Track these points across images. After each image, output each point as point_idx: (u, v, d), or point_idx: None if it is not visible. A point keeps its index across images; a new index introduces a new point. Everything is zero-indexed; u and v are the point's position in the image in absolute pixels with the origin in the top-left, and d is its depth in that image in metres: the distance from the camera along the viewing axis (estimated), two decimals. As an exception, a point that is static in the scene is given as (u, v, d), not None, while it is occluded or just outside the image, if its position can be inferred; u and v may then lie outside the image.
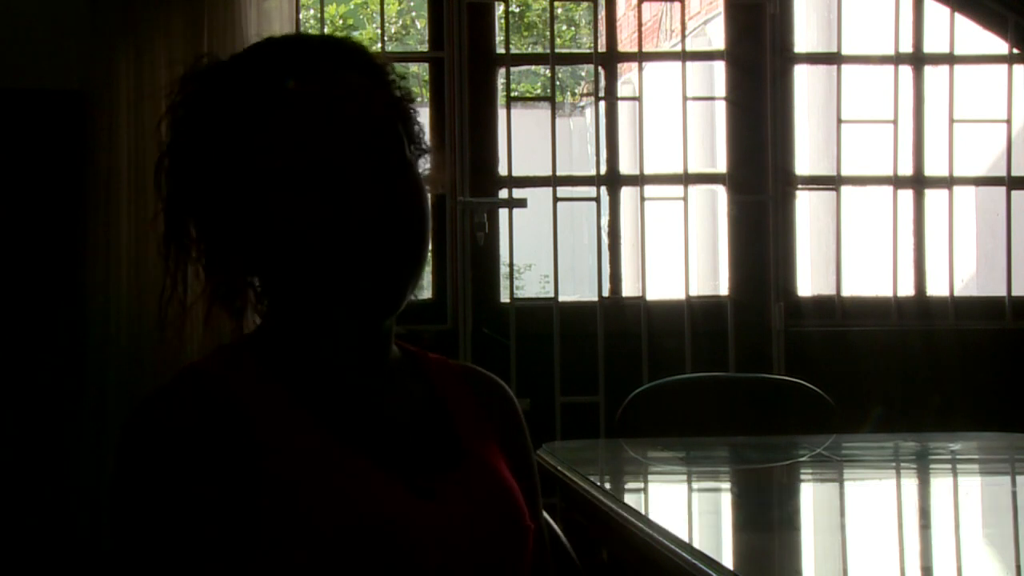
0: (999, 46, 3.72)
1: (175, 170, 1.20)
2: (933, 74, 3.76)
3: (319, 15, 3.72)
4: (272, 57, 1.18)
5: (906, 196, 3.68)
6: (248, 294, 1.22)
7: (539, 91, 8.83)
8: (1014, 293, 3.66)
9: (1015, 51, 3.70)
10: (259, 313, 1.23)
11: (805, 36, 5.22)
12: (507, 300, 3.49)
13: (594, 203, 3.55)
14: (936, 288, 3.71)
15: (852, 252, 3.74)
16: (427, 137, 1.25)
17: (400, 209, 1.15)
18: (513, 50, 4.06)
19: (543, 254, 3.79)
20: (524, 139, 3.60)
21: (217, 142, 1.17)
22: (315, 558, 1.06)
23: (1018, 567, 1.39)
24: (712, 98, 4.44)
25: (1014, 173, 3.70)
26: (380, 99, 1.18)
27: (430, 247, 1.21)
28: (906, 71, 3.69)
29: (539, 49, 8.39)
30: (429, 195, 1.20)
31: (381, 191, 1.13)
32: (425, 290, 3.50)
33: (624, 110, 3.92)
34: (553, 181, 3.51)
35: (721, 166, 3.67)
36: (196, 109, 1.19)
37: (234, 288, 1.21)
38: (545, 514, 1.42)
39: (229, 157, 1.16)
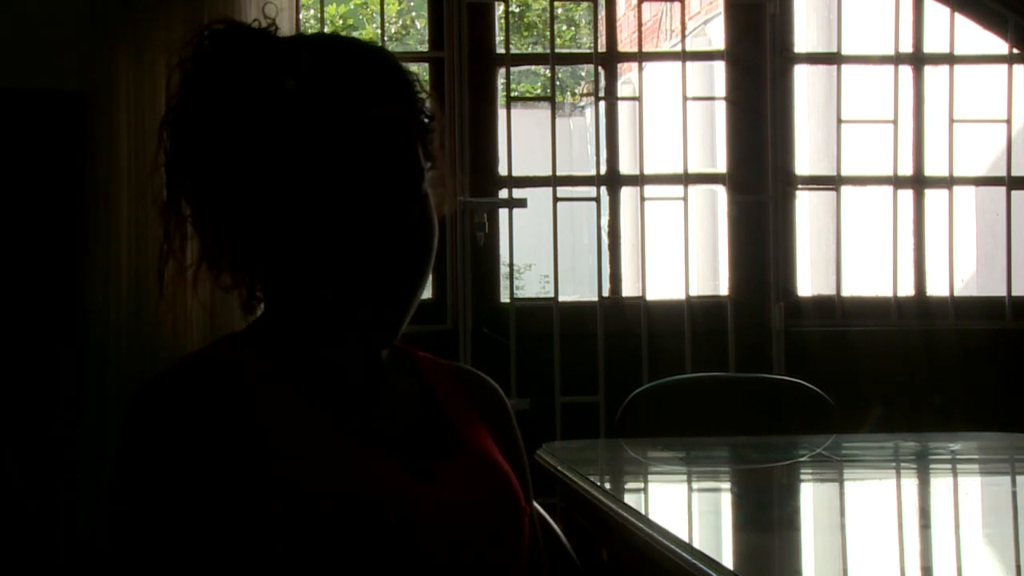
0: (999, 46, 3.72)
1: (182, 129, 1.19)
2: (933, 74, 3.76)
3: (319, 15, 3.72)
4: (305, 57, 1.17)
5: (906, 196, 3.68)
6: (243, 276, 1.22)
7: (539, 91, 8.83)
8: (1014, 293, 3.66)
9: (1015, 51, 3.70)
10: (244, 297, 1.23)
11: (805, 36, 5.21)
12: (507, 300, 3.49)
13: (594, 203, 3.55)
14: (936, 288, 3.71)
15: (852, 252, 3.74)
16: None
17: (408, 242, 1.15)
18: (513, 50, 4.06)
19: (543, 254, 3.79)
20: (524, 139, 3.60)
21: (231, 128, 1.16)
22: (316, 539, 1.07)
23: (1018, 567, 1.39)
24: (712, 98, 4.44)
25: (1014, 173, 3.70)
26: (406, 126, 1.17)
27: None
28: (906, 71, 3.69)
29: (539, 49, 8.39)
30: (437, 222, 1.20)
31: (392, 220, 1.13)
32: (425, 290, 3.50)
33: (624, 110, 3.92)
34: (553, 181, 3.51)
35: (721, 166, 3.67)
36: (213, 80, 1.18)
37: (222, 259, 1.21)
38: (545, 513, 1.43)
39: (242, 148, 1.15)
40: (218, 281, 1.22)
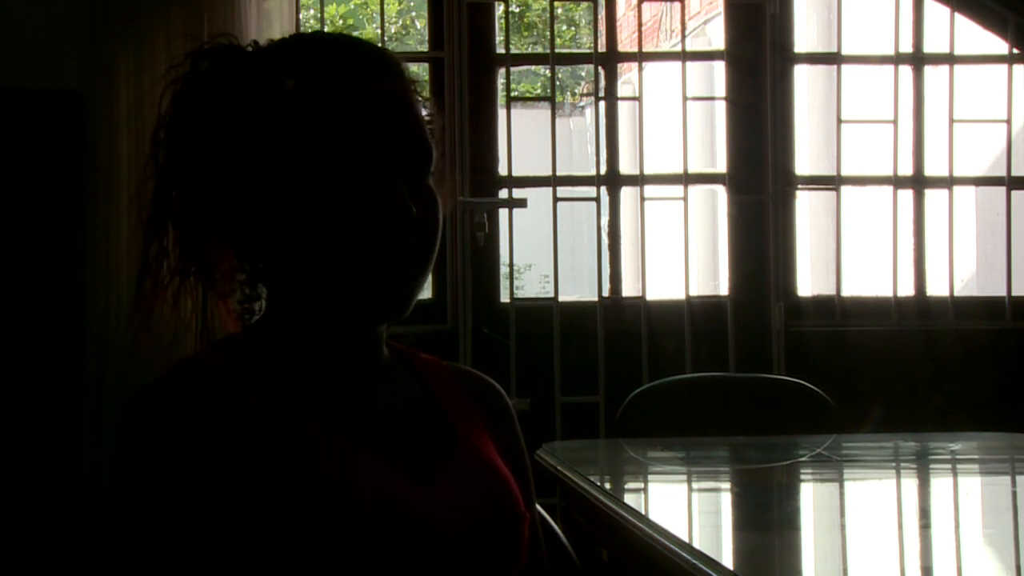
0: (999, 46, 3.72)
1: (178, 144, 1.21)
2: (933, 74, 3.76)
3: (319, 15, 3.72)
4: (316, 52, 1.19)
5: (906, 196, 3.68)
6: (235, 280, 1.24)
7: (539, 91, 8.84)
8: (1014, 293, 3.66)
9: (1015, 51, 3.70)
10: (244, 304, 1.24)
11: (805, 36, 5.22)
12: (507, 300, 3.49)
13: (594, 203, 3.55)
14: (936, 288, 3.71)
15: (852, 252, 3.74)
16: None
17: (423, 216, 1.16)
18: (513, 50, 4.06)
19: (543, 254, 3.79)
20: (524, 139, 3.60)
21: (242, 126, 1.17)
22: (314, 541, 1.07)
23: (1018, 567, 1.39)
24: (712, 98, 4.44)
25: (1014, 173, 3.70)
26: (418, 108, 1.20)
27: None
28: (906, 71, 3.69)
29: (539, 49, 8.39)
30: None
31: (409, 195, 1.14)
32: (425, 290, 3.50)
33: (624, 110, 3.92)
34: (553, 181, 3.51)
35: (721, 166, 3.67)
36: (218, 89, 1.20)
37: (214, 270, 1.23)
38: (545, 513, 1.43)
39: (253, 143, 1.16)
40: (214, 289, 1.23)
